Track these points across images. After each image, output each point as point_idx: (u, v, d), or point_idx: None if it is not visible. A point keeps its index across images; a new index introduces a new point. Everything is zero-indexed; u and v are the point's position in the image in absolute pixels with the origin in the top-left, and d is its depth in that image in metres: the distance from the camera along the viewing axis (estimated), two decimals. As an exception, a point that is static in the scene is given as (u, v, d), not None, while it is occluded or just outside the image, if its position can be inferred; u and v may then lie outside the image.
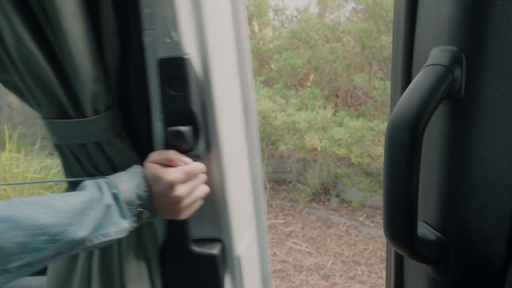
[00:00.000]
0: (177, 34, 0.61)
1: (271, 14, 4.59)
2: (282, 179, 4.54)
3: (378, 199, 3.77)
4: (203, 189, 0.66)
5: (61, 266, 0.71)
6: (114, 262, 0.68)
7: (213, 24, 0.65)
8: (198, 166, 0.65)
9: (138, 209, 0.60)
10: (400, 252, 0.43)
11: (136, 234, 0.69)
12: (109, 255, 0.68)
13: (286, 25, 4.48)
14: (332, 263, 3.07)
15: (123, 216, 0.58)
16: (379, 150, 3.20)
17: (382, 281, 2.84)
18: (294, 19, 4.38)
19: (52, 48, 0.57)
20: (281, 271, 3.02)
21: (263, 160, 4.01)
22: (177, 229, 0.71)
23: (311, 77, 4.43)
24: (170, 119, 0.64)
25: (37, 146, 3.00)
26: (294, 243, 3.38)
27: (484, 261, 0.43)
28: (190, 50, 0.63)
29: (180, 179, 0.61)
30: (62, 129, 0.63)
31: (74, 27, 0.55)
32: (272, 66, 4.37)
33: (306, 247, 3.31)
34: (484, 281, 0.44)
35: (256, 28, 4.49)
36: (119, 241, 0.67)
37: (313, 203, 4.02)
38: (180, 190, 0.61)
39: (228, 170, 0.70)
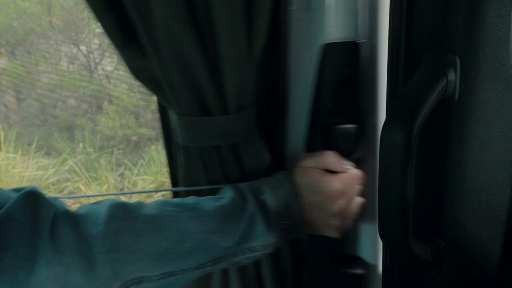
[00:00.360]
0: (349, 15, 0.50)
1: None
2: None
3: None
4: (359, 202, 0.55)
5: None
6: (250, 275, 0.62)
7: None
8: (357, 174, 0.54)
9: (286, 222, 0.50)
10: (394, 253, 0.44)
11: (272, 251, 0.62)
12: (247, 277, 0.62)
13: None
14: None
15: (270, 229, 0.49)
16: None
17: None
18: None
19: (202, 30, 0.48)
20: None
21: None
22: (318, 243, 0.62)
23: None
24: (325, 117, 0.54)
25: (34, 146, 2.99)
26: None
27: (479, 263, 0.43)
28: (362, 34, 0.52)
29: (343, 189, 0.52)
30: (200, 127, 0.53)
31: (227, 2, 0.46)
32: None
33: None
34: (479, 282, 0.44)
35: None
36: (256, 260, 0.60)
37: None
38: (341, 203, 0.52)
39: None
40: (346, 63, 0.51)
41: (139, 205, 0.46)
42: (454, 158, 0.42)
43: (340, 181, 0.52)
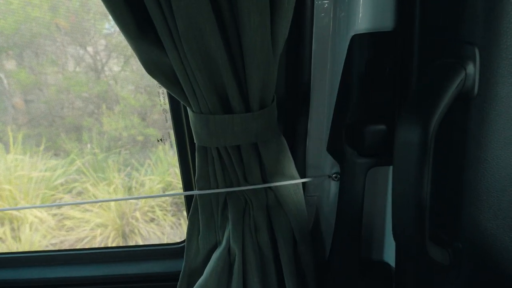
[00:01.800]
0: (378, 5, 0.46)
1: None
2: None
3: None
4: None
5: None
6: (273, 283, 0.61)
7: None
8: None
9: None
10: (411, 257, 0.42)
11: (293, 253, 0.60)
12: (268, 274, 0.61)
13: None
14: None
15: None
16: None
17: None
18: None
19: (226, 21, 0.46)
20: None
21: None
22: (341, 250, 0.59)
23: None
24: (352, 115, 0.50)
25: (42, 147, 3.01)
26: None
27: (499, 267, 0.41)
28: (391, 25, 0.47)
29: None
30: (220, 126, 0.50)
31: None
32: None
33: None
34: (499, 286, 0.42)
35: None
36: (276, 257, 0.58)
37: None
38: None
39: None
40: (378, 56, 0.47)
41: None
42: (474, 156, 0.39)
43: None
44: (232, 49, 0.47)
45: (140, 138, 3.04)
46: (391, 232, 0.58)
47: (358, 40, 0.48)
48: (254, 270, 0.62)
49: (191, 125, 0.55)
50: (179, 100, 0.54)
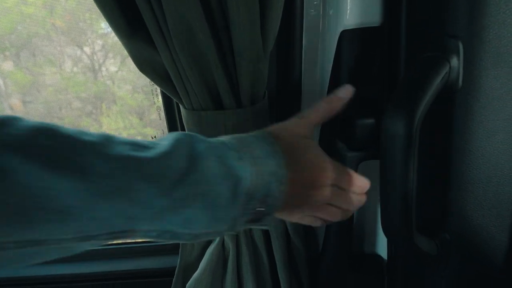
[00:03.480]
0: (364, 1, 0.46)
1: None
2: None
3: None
4: (360, 201, 0.45)
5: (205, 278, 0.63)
6: (266, 277, 0.62)
7: None
8: (363, 179, 0.45)
9: (259, 209, 0.36)
10: (401, 250, 0.42)
11: (286, 247, 0.60)
12: (261, 267, 0.62)
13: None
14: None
15: (229, 210, 0.34)
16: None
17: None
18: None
19: (216, 18, 0.46)
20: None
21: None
22: (333, 244, 0.59)
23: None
24: (343, 110, 0.48)
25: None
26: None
27: (486, 256, 0.42)
28: (379, 19, 0.48)
29: (345, 172, 0.43)
30: (212, 122, 0.51)
31: None
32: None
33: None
34: (487, 276, 0.43)
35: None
36: (269, 251, 0.59)
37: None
38: (338, 185, 0.42)
39: None
40: (366, 51, 0.48)
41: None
42: (459, 147, 0.40)
43: (343, 168, 0.43)
44: (223, 46, 0.48)
45: (139, 138, 3.04)
46: None
47: (346, 35, 0.49)
48: (247, 264, 0.63)
49: (183, 122, 0.56)
50: (172, 97, 0.54)
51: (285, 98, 0.57)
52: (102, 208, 0.29)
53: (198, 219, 0.33)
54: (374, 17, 0.47)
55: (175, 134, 0.36)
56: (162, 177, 0.31)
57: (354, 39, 0.48)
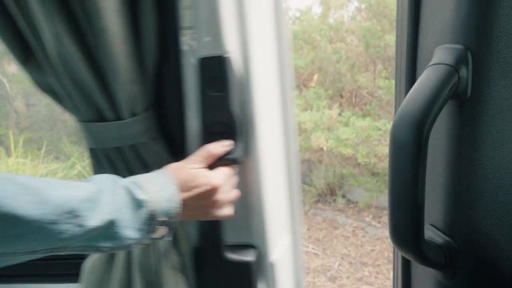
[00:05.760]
0: (218, 33, 0.59)
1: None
2: (287, 180, 4.51)
3: (384, 199, 3.74)
4: (235, 193, 0.63)
5: (96, 274, 0.69)
6: (152, 270, 0.67)
7: (254, 22, 0.63)
8: (230, 170, 0.62)
9: (159, 226, 0.51)
10: (407, 256, 0.42)
11: (172, 241, 0.67)
12: (147, 262, 0.67)
13: (288, 27, 4.46)
14: (339, 265, 3.04)
15: (137, 229, 0.49)
16: (386, 149, 3.18)
17: (390, 283, 2.81)
18: (297, 20, 4.37)
19: (91, 49, 0.56)
20: (287, 273, 3.00)
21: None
22: (210, 235, 0.68)
23: (315, 77, 4.42)
24: (208, 121, 0.62)
25: (43, 151, 3.02)
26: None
27: (494, 265, 0.42)
28: (232, 49, 0.60)
29: (224, 182, 0.58)
30: (99, 132, 0.61)
31: (114, 26, 0.54)
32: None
33: (313, 248, 3.29)
34: (494, 286, 0.43)
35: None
36: (155, 247, 0.66)
37: (319, 204, 3.99)
38: (221, 195, 0.58)
39: (265, 174, 0.67)
40: (217, 75, 0.60)
41: None
42: (468, 157, 0.40)
43: (222, 175, 0.58)
44: (97, 71, 0.57)
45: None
46: (257, 216, 0.68)
47: (201, 62, 0.61)
48: (136, 258, 0.66)
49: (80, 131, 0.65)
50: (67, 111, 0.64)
51: (172, 108, 0.67)
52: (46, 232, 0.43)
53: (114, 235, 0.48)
54: (222, 48, 0.59)
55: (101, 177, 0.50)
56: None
57: (206, 65, 0.60)
